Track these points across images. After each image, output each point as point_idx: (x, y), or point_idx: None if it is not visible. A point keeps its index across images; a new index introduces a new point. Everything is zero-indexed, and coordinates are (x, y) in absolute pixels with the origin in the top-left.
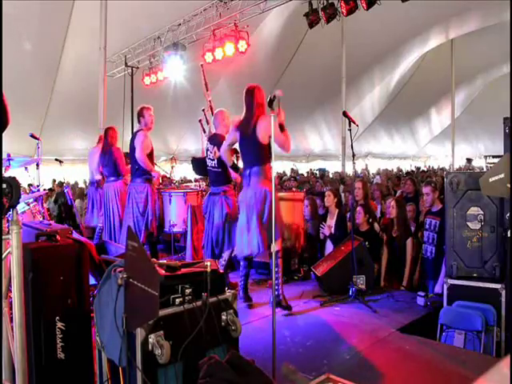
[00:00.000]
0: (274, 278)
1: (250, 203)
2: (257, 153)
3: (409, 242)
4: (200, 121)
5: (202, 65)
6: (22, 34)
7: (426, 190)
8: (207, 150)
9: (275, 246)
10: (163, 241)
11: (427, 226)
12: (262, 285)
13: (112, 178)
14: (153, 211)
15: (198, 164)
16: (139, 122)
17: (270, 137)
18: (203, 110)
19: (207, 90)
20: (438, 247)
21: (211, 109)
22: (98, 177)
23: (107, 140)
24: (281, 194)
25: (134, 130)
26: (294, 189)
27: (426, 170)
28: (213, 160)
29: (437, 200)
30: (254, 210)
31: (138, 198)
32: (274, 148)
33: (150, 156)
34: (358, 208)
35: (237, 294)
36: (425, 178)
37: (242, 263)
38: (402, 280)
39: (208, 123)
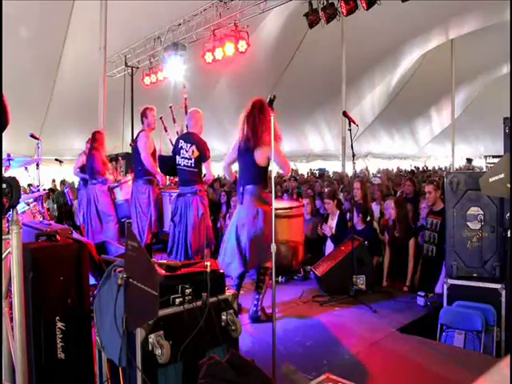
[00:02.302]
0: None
1: (243, 222)
2: (253, 172)
3: (411, 242)
4: (161, 118)
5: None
6: (22, 34)
7: (428, 188)
8: (180, 148)
9: (268, 264)
10: (162, 241)
11: (429, 226)
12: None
13: (94, 181)
14: (155, 211)
15: (165, 162)
16: (142, 122)
17: (268, 160)
18: (170, 107)
19: (184, 87)
20: (438, 247)
21: (185, 107)
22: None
23: (92, 144)
24: (277, 212)
25: (137, 131)
26: (294, 203)
27: (425, 169)
28: (189, 159)
29: (438, 199)
30: (245, 229)
31: (141, 198)
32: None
33: (153, 156)
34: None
35: (237, 294)
36: (425, 178)
37: (234, 282)
38: (404, 280)
39: (174, 121)
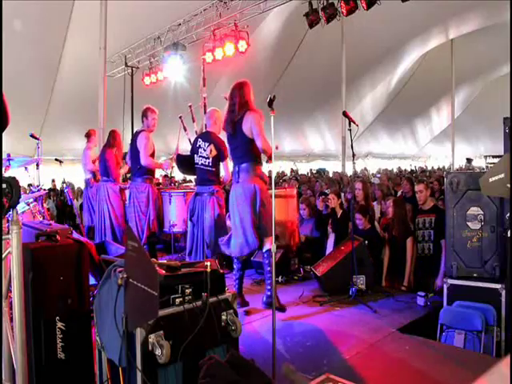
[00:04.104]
0: (270, 277)
1: (240, 201)
2: (245, 149)
3: (409, 241)
4: (181, 117)
5: (203, 59)
6: (22, 34)
7: (418, 187)
8: (198, 147)
9: (269, 245)
10: (163, 241)
11: (421, 225)
12: (262, 285)
13: (104, 178)
14: (154, 211)
15: (184, 161)
16: (142, 122)
17: (255, 134)
18: (190, 106)
19: (204, 86)
20: (435, 243)
21: (204, 106)
22: (87, 175)
23: (108, 141)
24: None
25: (136, 130)
26: (286, 184)
27: (425, 169)
28: (207, 158)
29: (429, 198)
30: (244, 208)
31: (139, 197)
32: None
33: (152, 156)
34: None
35: (237, 294)
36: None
37: (236, 266)
38: (403, 280)
39: (194, 120)
